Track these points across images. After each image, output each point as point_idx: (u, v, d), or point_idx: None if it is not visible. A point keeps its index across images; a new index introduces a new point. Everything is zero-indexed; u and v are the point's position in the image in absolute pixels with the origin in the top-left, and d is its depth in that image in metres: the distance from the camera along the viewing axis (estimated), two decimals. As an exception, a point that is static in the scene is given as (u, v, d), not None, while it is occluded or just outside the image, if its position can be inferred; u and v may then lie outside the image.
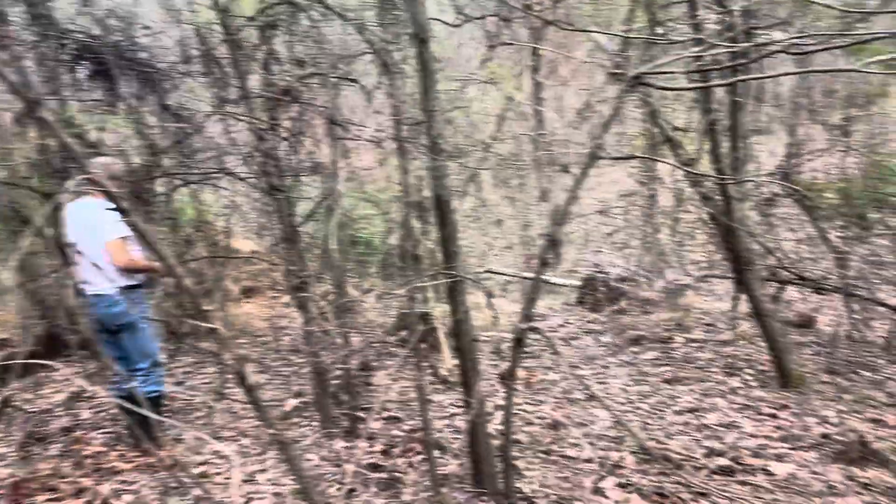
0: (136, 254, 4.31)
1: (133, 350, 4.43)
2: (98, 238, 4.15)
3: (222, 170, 5.98)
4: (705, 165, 5.13)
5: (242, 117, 4.88)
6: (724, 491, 3.57)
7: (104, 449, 4.72)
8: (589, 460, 4.04)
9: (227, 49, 5.17)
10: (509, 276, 5.92)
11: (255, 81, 4.95)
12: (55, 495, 4.13)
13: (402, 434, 4.59)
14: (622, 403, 5.00)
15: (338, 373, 5.15)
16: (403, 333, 4.65)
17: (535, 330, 3.36)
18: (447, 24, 4.99)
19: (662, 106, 5.99)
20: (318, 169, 4.96)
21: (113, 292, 4.18)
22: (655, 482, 3.71)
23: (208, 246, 7.20)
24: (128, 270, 4.28)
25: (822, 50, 2.83)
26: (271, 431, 1.81)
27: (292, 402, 5.21)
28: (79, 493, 4.13)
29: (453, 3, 6.70)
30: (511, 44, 7.67)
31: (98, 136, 7.00)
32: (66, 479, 4.29)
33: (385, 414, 4.84)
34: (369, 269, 6.82)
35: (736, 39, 4.23)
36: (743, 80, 4.48)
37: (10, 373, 6.06)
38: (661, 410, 4.83)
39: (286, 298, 7.42)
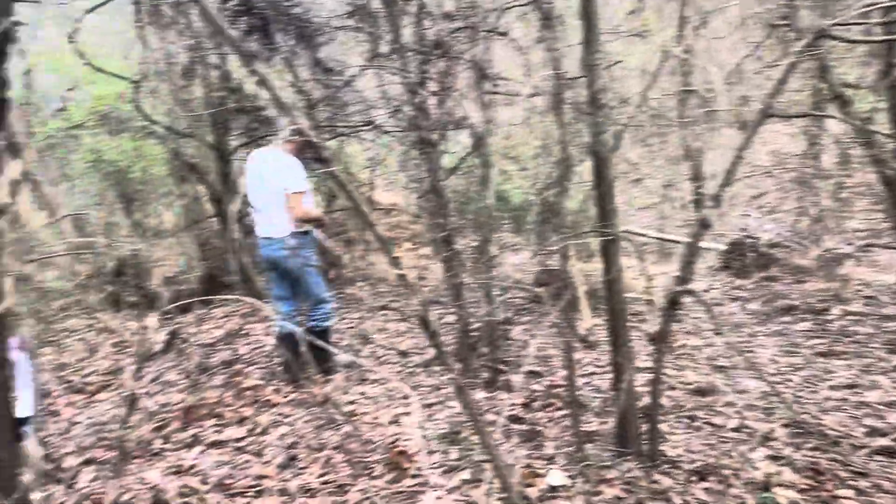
0: (310, 205, 4.69)
1: (301, 290, 4.78)
2: (279, 187, 4.48)
3: (371, 123, 6.15)
4: (881, 125, 4.72)
5: (394, 71, 4.98)
6: (888, 472, 3.37)
7: (261, 383, 5.09)
8: (737, 429, 3.92)
9: (380, 3, 5.28)
10: (652, 237, 5.76)
11: (406, 35, 5.03)
12: (220, 422, 4.51)
13: (541, 389, 4.63)
14: (771, 374, 4.79)
15: (478, 325, 5.25)
16: (542, 290, 4.65)
17: (690, 293, 3.27)
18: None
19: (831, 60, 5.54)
20: (466, 123, 4.98)
21: (285, 237, 4.54)
22: (810, 457, 3.55)
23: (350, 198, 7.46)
24: (302, 220, 4.61)
25: None
26: (451, 376, 1.88)
27: (434, 352, 5.36)
28: (241, 421, 4.49)
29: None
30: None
31: (254, 90, 7.39)
32: (229, 408, 4.67)
33: (525, 368, 4.89)
34: (512, 225, 6.84)
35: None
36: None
37: (176, 309, 6.62)
38: (814, 384, 4.58)
39: (426, 250, 7.59)
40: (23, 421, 3.60)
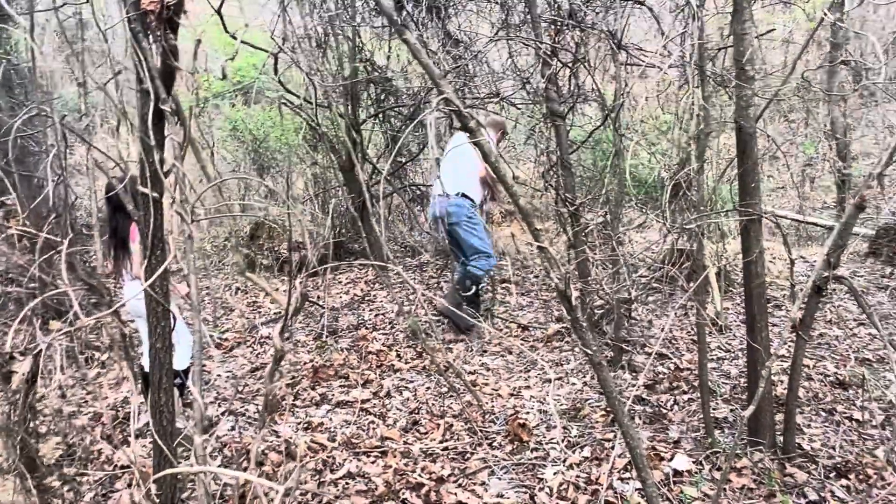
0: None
1: (464, 243, 5.40)
2: (460, 157, 5.27)
3: (498, 94, 6.12)
4: None
5: (527, 41, 4.91)
6: None
7: (384, 349, 5.24)
8: (882, 426, 3.66)
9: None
10: (795, 219, 5.40)
11: (539, 5, 4.94)
12: (346, 382, 4.69)
13: (667, 371, 4.51)
14: (922, 371, 4.44)
15: (601, 302, 5.16)
16: (671, 270, 4.49)
17: (839, 279, 3.06)
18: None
19: None
20: (599, 96, 4.85)
21: (460, 199, 5.35)
22: (967, 463, 3.27)
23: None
24: (483, 187, 5.55)
25: None
26: (588, 351, 1.85)
27: (554, 327, 5.33)
28: (366, 383, 4.65)
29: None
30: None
31: (385, 62, 7.52)
32: (355, 370, 4.84)
33: (650, 350, 4.77)
34: (639, 202, 6.64)
35: None
36: None
37: (305, 273, 6.90)
38: (972, 384, 4.21)
39: (548, 224, 7.51)
40: (180, 372, 3.89)
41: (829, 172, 8.50)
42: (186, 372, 3.97)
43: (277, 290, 6.46)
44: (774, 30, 5.20)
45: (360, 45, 7.11)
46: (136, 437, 3.73)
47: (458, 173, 5.34)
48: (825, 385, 4.25)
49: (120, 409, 4.34)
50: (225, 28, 3.65)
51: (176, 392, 2.18)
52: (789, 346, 4.26)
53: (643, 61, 4.24)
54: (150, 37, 1.70)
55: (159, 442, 1.94)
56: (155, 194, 1.84)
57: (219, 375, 4.89)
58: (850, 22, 7.48)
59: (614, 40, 4.36)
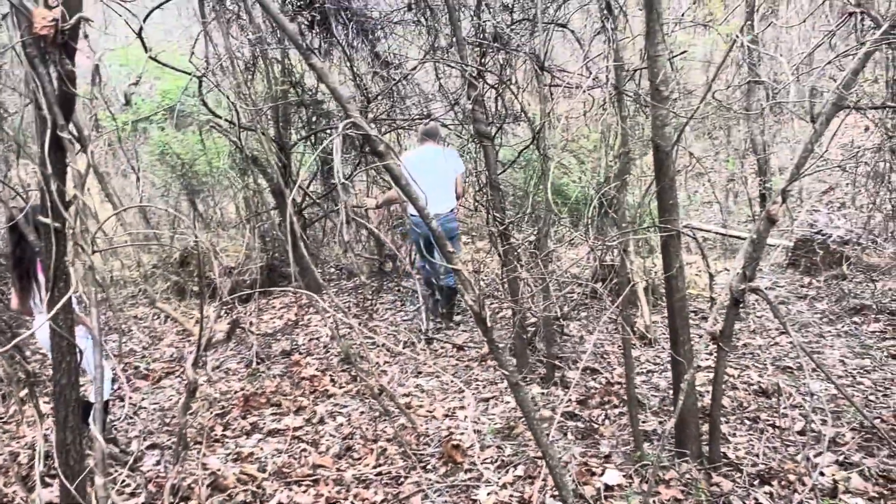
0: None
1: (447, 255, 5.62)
2: (446, 173, 5.58)
3: (428, 115, 6.15)
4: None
5: (453, 63, 4.95)
6: (969, 484, 3.20)
7: (318, 374, 5.15)
8: (802, 432, 3.79)
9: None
10: (714, 233, 5.57)
11: (465, 28, 5.00)
12: (279, 410, 4.59)
13: (598, 386, 4.56)
14: (839, 377, 4.61)
15: (534, 320, 5.20)
16: (599, 286, 4.57)
17: (755, 290, 3.16)
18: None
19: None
20: (525, 117, 4.93)
21: (451, 212, 5.68)
22: (882, 464, 3.40)
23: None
24: (459, 197, 5.87)
25: None
26: (505, 372, 1.85)
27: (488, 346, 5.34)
28: (298, 410, 4.56)
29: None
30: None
31: (312, 84, 7.47)
32: (287, 397, 4.75)
33: (580, 365, 4.83)
34: (568, 219, 6.75)
35: None
36: None
37: (237, 299, 6.75)
38: (887, 388, 4.39)
39: (482, 244, 7.56)
40: (90, 406, 3.73)
41: (750, 187, 8.82)
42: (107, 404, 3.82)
43: (208, 317, 6.29)
44: (686, 52, 5.39)
45: (290, 67, 7.05)
46: (55, 477, 3.55)
47: (447, 189, 5.68)
48: (749, 394, 4.37)
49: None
50: (145, 48, 3.57)
51: (97, 427, 2.08)
52: (714, 358, 4.37)
53: (565, 82, 4.33)
54: (48, 62, 1.65)
55: (66, 483, 1.85)
56: (56, 224, 1.77)
57: (143, 408, 4.73)
58: (765, 44, 7.82)
59: (538, 62, 4.44)
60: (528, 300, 4.79)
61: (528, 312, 4.94)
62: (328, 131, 7.52)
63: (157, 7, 4.47)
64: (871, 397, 4.27)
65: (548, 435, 3.82)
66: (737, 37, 3.87)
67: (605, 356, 5.11)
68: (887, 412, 4.00)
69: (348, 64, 6.26)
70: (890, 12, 3.90)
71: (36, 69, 1.64)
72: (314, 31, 6.62)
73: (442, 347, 5.57)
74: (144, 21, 3.21)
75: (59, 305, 1.74)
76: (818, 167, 3.50)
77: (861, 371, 4.68)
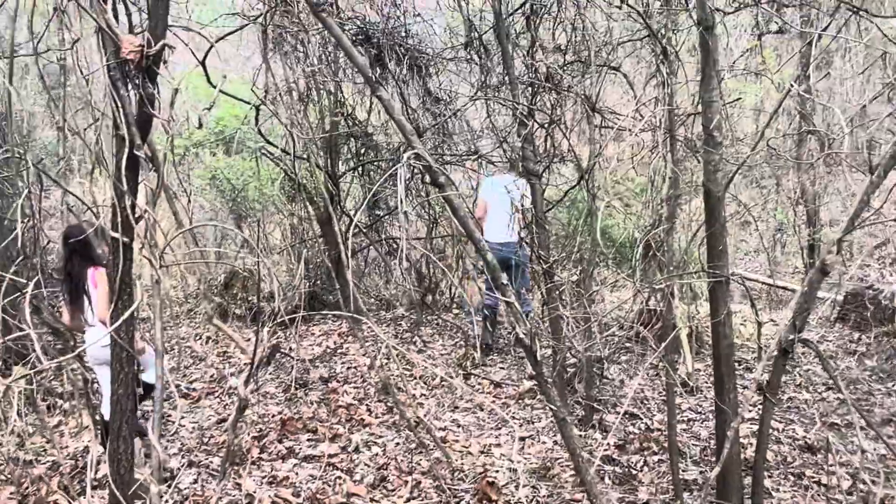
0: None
1: (521, 281, 5.90)
2: (510, 203, 5.42)
3: (477, 152, 6.22)
4: None
5: (505, 101, 5.02)
6: None
7: (354, 402, 5.17)
8: (850, 492, 3.67)
9: (493, 35, 5.36)
10: (763, 282, 5.49)
11: (517, 67, 5.07)
12: (314, 436, 4.61)
13: (637, 432, 4.49)
14: (889, 436, 4.47)
15: (574, 360, 5.16)
16: (642, 330, 4.52)
17: (805, 342, 3.10)
18: (721, 10, 4.70)
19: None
20: (574, 156, 4.96)
21: (516, 241, 5.59)
22: (933, 531, 3.27)
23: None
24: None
25: None
26: (553, 407, 1.85)
27: (527, 384, 5.31)
28: (334, 437, 4.57)
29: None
30: (783, 32, 7.08)
31: (362, 117, 7.63)
32: (323, 424, 4.76)
33: (620, 409, 4.76)
34: (614, 261, 6.72)
35: None
36: None
37: (278, 324, 6.83)
38: (939, 451, 4.23)
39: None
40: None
41: (798, 238, 8.68)
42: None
43: (249, 340, 6.38)
44: (741, 98, 5.38)
45: (342, 99, 7.22)
46: (95, 487, 3.62)
47: (512, 219, 5.76)
48: (794, 448, 4.26)
49: (80, 458, 4.22)
50: (208, 78, 3.70)
51: (138, 441, 2.13)
52: (758, 409, 4.28)
53: (616, 124, 4.35)
54: (129, 84, 1.73)
55: (116, 492, 1.89)
56: (125, 239, 1.84)
57: (182, 426, 4.79)
58: (818, 94, 7.76)
59: (589, 103, 4.48)
60: (570, 339, 4.76)
61: (568, 352, 4.90)
62: (376, 163, 7.65)
63: (222, 39, 4.64)
64: (923, 460, 4.12)
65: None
66: (791, 85, 3.87)
67: (644, 402, 5.03)
68: (940, 476, 3.85)
69: (400, 98, 6.39)
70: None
71: (118, 91, 1.72)
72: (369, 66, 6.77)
73: (479, 384, 5.55)
74: (207, 54, 3.33)
75: (122, 318, 1.80)
76: (872, 220, 3.45)
77: (912, 432, 4.52)
